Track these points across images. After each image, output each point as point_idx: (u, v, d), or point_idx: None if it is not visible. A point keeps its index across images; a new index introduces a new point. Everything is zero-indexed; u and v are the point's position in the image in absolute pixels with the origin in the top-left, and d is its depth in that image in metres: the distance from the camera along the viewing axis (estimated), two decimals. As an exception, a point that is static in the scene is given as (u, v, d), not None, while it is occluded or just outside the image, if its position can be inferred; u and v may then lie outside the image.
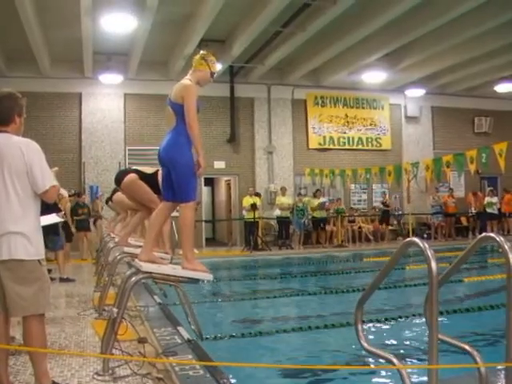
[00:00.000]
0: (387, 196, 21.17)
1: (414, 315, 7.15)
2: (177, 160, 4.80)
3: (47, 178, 3.77)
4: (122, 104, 19.29)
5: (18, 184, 3.69)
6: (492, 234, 3.22)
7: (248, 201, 18.42)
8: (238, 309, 8.83)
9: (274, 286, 11.31)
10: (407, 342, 6.37)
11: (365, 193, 21.95)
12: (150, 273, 4.67)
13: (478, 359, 3.19)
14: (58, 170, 5.49)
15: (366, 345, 3.49)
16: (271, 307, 8.93)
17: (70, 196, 13.87)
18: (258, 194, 19.26)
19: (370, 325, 6.82)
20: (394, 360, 3.20)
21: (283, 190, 19.42)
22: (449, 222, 20.87)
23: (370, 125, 22.14)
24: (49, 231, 8.67)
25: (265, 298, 9.54)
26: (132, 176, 7.11)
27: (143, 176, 7.07)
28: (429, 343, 2.88)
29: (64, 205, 11.83)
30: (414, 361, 5.47)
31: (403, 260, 12.43)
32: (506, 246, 2.95)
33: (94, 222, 16.42)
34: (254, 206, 18.04)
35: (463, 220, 22.12)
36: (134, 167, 7.79)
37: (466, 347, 3.31)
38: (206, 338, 5.69)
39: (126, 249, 6.91)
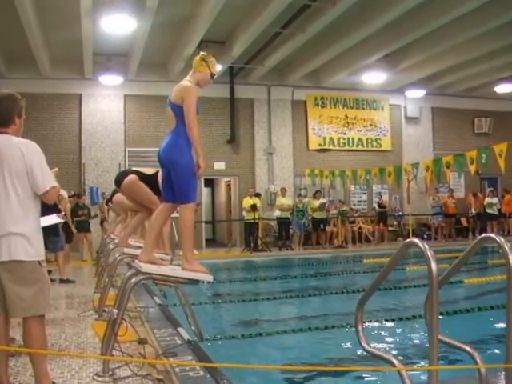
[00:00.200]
0: (383, 197, 21.18)
1: (414, 316, 7.14)
2: (177, 161, 4.80)
3: (47, 179, 3.77)
4: (122, 105, 19.30)
5: (18, 185, 3.69)
6: (492, 235, 3.22)
7: (248, 202, 18.42)
8: (238, 310, 8.83)
9: (274, 286, 11.31)
10: (407, 343, 6.37)
11: (365, 193, 21.95)
12: (150, 274, 4.67)
13: (478, 360, 3.19)
14: (57, 171, 5.49)
15: (366, 346, 3.49)
16: (271, 308, 8.93)
17: (69, 197, 13.86)
18: (258, 195, 19.26)
19: (371, 326, 6.82)
20: (395, 361, 3.20)
21: (283, 191, 19.42)
22: (449, 223, 20.86)
23: (370, 125, 22.15)
24: (49, 232, 8.67)
25: (265, 299, 9.53)
26: (132, 177, 7.10)
27: (143, 177, 7.07)
28: (429, 344, 2.88)
29: (64, 206, 11.83)
30: (415, 361, 5.47)
31: (403, 261, 12.42)
32: (506, 247, 2.96)
33: (101, 224, 16.39)
34: (253, 207, 18.05)
35: (463, 221, 22.11)
36: (134, 168, 7.79)
37: (466, 348, 3.31)
38: (206, 339, 5.68)
39: (126, 250, 6.91)
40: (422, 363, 5.04)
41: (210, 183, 23.28)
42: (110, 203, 11.19)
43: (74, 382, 4.32)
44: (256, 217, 18.07)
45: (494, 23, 14.67)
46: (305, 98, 21.32)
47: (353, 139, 21.89)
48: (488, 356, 4.60)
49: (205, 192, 22.33)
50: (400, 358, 4.65)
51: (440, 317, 2.98)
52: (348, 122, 21.86)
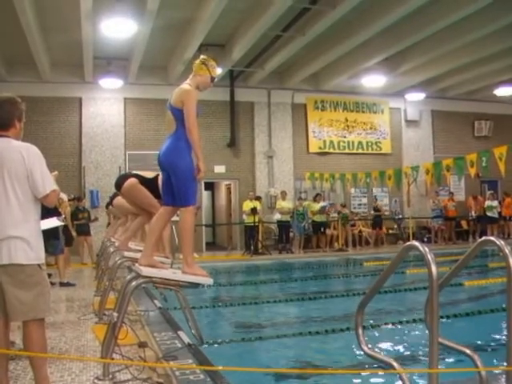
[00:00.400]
0: (378, 201, 21.18)
1: (414, 319, 7.13)
2: (177, 165, 4.80)
3: (47, 183, 3.77)
4: (122, 108, 19.31)
5: (18, 188, 3.69)
6: (492, 238, 3.23)
7: (248, 205, 18.42)
8: (239, 313, 8.81)
9: (274, 290, 11.31)
10: (408, 346, 6.36)
11: (365, 197, 21.94)
12: (151, 277, 4.67)
13: (478, 363, 3.19)
14: (57, 175, 5.48)
15: (366, 349, 3.49)
16: (271, 312, 8.92)
17: (69, 200, 13.86)
18: (258, 198, 19.26)
19: (371, 329, 6.81)
20: (395, 364, 3.20)
21: (283, 194, 19.41)
22: (449, 226, 20.85)
23: (370, 129, 22.16)
24: (49, 235, 8.67)
25: (265, 302, 9.53)
26: (132, 181, 7.11)
27: (143, 180, 7.07)
28: (429, 347, 2.88)
29: (64, 209, 11.83)
30: (415, 365, 5.46)
31: (404, 264, 12.42)
32: (507, 250, 2.96)
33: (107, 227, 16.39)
34: (254, 210, 18.04)
35: (463, 224, 22.11)
36: (135, 172, 7.78)
37: (467, 351, 3.31)
38: (207, 343, 5.68)
39: (127, 253, 6.90)
40: (423, 366, 5.03)
41: (210, 186, 23.28)
42: (110, 206, 11.19)
43: (74, 385, 4.32)
44: (256, 220, 18.06)
45: (494, 26, 14.69)
46: (305, 102, 21.34)
47: (353, 142, 21.90)
48: (488, 359, 4.60)
49: (205, 195, 22.33)
50: (400, 361, 4.65)
51: (440, 320, 2.98)
52: (348, 126, 21.88)
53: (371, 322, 7.00)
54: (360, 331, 3.54)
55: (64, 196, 11.96)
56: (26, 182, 3.71)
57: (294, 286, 12.06)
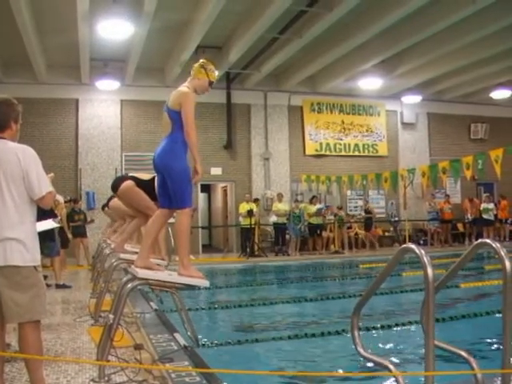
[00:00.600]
0: (369, 203, 21.19)
1: (410, 321, 7.13)
2: (172, 167, 4.80)
3: (43, 184, 3.76)
4: (119, 110, 19.30)
5: (14, 190, 3.68)
6: (488, 240, 3.23)
7: (244, 207, 18.42)
8: (235, 315, 8.81)
9: (270, 292, 11.29)
10: (404, 349, 6.36)
11: (361, 199, 21.96)
12: (147, 279, 4.66)
13: (474, 366, 3.19)
14: (53, 176, 5.48)
15: (362, 351, 3.49)
16: (268, 314, 8.91)
17: (65, 202, 13.84)
18: (256, 200, 19.25)
19: (367, 331, 6.81)
20: (391, 366, 3.20)
21: (279, 197, 19.41)
22: (445, 228, 20.86)
23: (367, 131, 22.19)
24: (45, 237, 8.64)
25: (261, 304, 9.52)
26: (129, 183, 7.09)
27: (140, 183, 7.06)
28: (425, 349, 2.88)
29: (60, 211, 11.81)
30: (411, 367, 5.46)
31: (400, 266, 12.43)
32: (502, 252, 2.96)
33: None
34: (250, 213, 18.04)
35: (459, 226, 22.15)
36: (131, 174, 7.77)
37: (463, 353, 3.31)
38: (203, 345, 5.68)
39: (122, 255, 6.90)
40: (419, 369, 5.03)
41: (206, 189, 23.26)
42: (106, 208, 11.18)
43: (69, 387, 4.31)
44: (253, 222, 18.06)
45: (490, 29, 14.74)
46: (301, 104, 21.36)
47: (349, 145, 21.93)
48: (484, 361, 4.60)
49: (201, 197, 22.32)
50: (396, 363, 4.65)
51: (436, 322, 2.98)
52: (344, 128, 21.90)
53: (367, 324, 6.99)
54: (356, 333, 3.54)
55: (60, 198, 11.95)
56: (22, 184, 3.70)
57: (290, 288, 12.05)
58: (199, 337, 5.19)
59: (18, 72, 17.47)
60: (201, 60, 5.32)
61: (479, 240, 3.43)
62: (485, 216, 20.48)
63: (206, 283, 4.78)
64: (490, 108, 23.13)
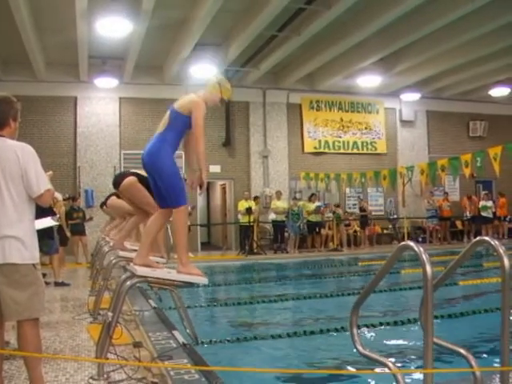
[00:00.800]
0: (363, 201, 21.18)
1: (409, 319, 7.14)
2: (161, 167, 4.82)
3: (42, 182, 3.76)
4: (117, 108, 19.28)
5: (12, 188, 3.68)
6: (487, 238, 3.24)
7: (243, 205, 18.42)
8: (233, 313, 8.81)
9: (269, 290, 11.30)
10: (402, 346, 6.37)
11: (360, 197, 21.94)
12: (145, 277, 4.66)
13: (473, 363, 3.19)
14: (52, 175, 5.47)
15: (361, 349, 3.49)
16: (266, 311, 8.92)
17: (64, 200, 13.83)
18: (256, 198, 19.24)
19: (366, 329, 6.82)
20: (390, 364, 3.20)
21: (278, 194, 19.42)
22: (444, 226, 20.87)
23: (365, 129, 22.19)
24: (44, 235, 8.65)
25: (260, 302, 9.53)
26: (131, 179, 7.08)
27: (142, 179, 7.03)
28: (424, 347, 2.88)
29: (59, 209, 11.80)
30: (410, 365, 5.47)
31: (398, 264, 12.43)
32: (501, 250, 2.97)
33: None
34: (249, 210, 18.04)
35: (458, 224, 22.16)
36: (133, 170, 7.75)
37: (461, 351, 3.31)
38: (202, 343, 5.68)
39: (121, 253, 6.89)
40: (417, 366, 5.04)
41: (205, 186, 23.20)
42: (104, 207, 11.17)
43: (68, 385, 4.31)
44: (251, 220, 18.06)
45: (489, 27, 14.73)
46: (300, 101, 21.35)
47: (348, 142, 21.93)
48: (483, 359, 4.61)
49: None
50: (395, 361, 4.66)
51: (435, 320, 2.98)
52: (343, 126, 21.90)
53: (366, 321, 7.00)
54: (355, 331, 3.54)
55: (59, 195, 11.92)
56: (21, 182, 3.70)
57: (288, 285, 12.06)
58: (198, 334, 5.18)
59: (16, 70, 17.44)
60: (218, 76, 5.37)
61: (478, 238, 3.43)
62: (483, 214, 20.51)
63: (204, 281, 4.78)
64: (488, 106, 23.13)
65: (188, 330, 5.17)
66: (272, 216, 19.17)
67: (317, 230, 19.42)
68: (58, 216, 10.46)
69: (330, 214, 19.83)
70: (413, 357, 5.71)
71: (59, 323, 6.82)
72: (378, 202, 22.20)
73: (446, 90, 22.15)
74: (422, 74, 19.60)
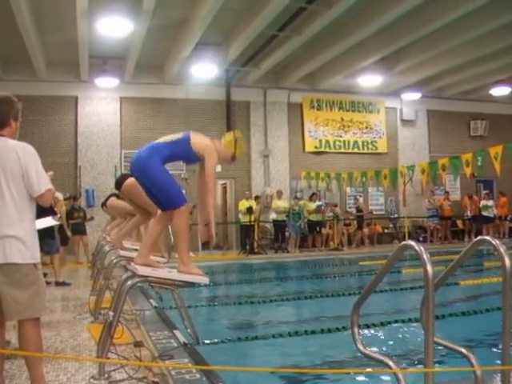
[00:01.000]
0: (360, 201, 21.17)
1: (410, 318, 7.14)
2: (151, 173, 4.82)
3: (43, 182, 3.76)
4: (118, 107, 19.28)
5: (13, 187, 3.68)
6: (487, 237, 3.23)
7: (244, 204, 18.41)
8: (234, 312, 8.81)
9: (270, 289, 11.29)
10: (403, 346, 6.37)
11: (361, 196, 21.95)
12: (146, 276, 4.66)
13: (473, 362, 3.19)
14: (52, 175, 5.48)
15: (362, 348, 3.49)
16: (267, 311, 8.92)
17: (65, 199, 13.83)
18: (257, 198, 19.22)
19: (366, 328, 6.82)
20: (391, 363, 3.20)
21: (279, 194, 19.41)
22: (445, 225, 20.86)
23: (366, 128, 22.19)
24: (44, 235, 8.65)
25: (261, 301, 9.52)
26: (132, 180, 7.08)
27: None
28: (425, 346, 2.88)
29: (59, 208, 11.80)
30: (411, 364, 5.47)
31: (399, 263, 12.43)
32: (502, 249, 2.97)
33: None
34: (250, 210, 18.03)
35: (459, 223, 22.15)
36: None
37: (462, 350, 3.31)
38: (202, 342, 5.68)
39: (122, 252, 6.90)
40: (418, 365, 5.04)
41: (205, 186, 23.19)
42: (104, 207, 11.17)
43: (69, 384, 4.31)
44: (252, 219, 18.05)
45: (490, 26, 14.73)
46: (301, 101, 21.35)
47: (349, 142, 21.93)
48: (484, 358, 4.60)
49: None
50: (396, 360, 4.66)
51: (436, 319, 2.98)
52: (344, 125, 21.90)
53: (367, 321, 7.00)
54: (356, 330, 3.54)
55: (59, 195, 11.94)
56: (22, 181, 3.70)
57: (289, 285, 12.05)
58: (199, 334, 5.18)
59: (17, 69, 17.44)
60: (237, 133, 5.46)
61: (479, 237, 3.43)
62: (484, 213, 20.50)
63: (205, 280, 4.78)
64: (489, 105, 23.12)
65: (189, 330, 5.17)
66: (273, 215, 19.17)
67: (317, 229, 19.41)
68: (58, 216, 10.46)
69: (331, 214, 19.83)
70: (414, 356, 5.71)
71: (60, 323, 6.83)
72: (378, 201, 22.21)
73: (446, 90, 22.14)
74: (423, 74, 19.60)
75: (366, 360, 3.66)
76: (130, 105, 19.41)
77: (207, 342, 6.12)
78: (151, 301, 7.89)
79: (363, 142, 22.11)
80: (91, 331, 6.17)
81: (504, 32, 15.22)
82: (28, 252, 3.69)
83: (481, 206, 20.70)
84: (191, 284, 4.80)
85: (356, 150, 22.02)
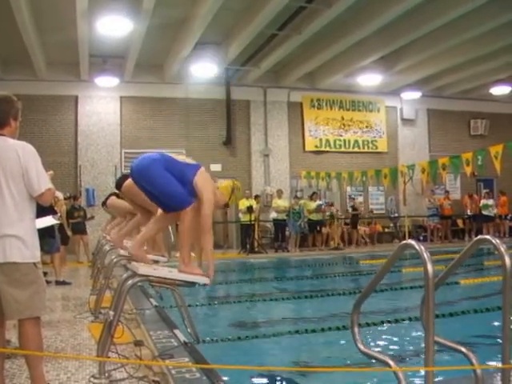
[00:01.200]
0: (356, 200, 21.15)
1: (410, 317, 7.14)
2: (153, 176, 4.78)
3: (43, 181, 3.76)
4: (118, 107, 19.28)
5: (13, 187, 3.68)
6: (488, 237, 3.23)
7: (244, 203, 18.40)
8: (235, 311, 8.82)
9: (270, 288, 11.30)
10: (404, 345, 6.37)
11: (361, 195, 21.96)
12: (147, 276, 4.66)
13: (474, 361, 3.19)
14: (53, 174, 5.47)
15: (362, 347, 3.49)
16: (267, 310, 8.92)
17: (65, 199, 13.83)
18: (257, 197, 19.22)
19: (367, 327, 6.82)
20: (391, 362, 3.20)
21: (279, 193, 19.40)
22: (445, 225, 20.87)
23: (366, 127, 22.19)
24: (45, 234, 8.64)
25: (261, 300, 9.53)
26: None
27: None
28: (425, 345, 2.88)
29: (60, 207, 11.80)
30: (411, 363, 5.47)
31: (400, 262, 12.43)
32: (502, 248, 2.97)
33: None
34: (250, 209, 18.03)
35: (459, 222, 22.16)
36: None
37: (462, 349, 3.31)
38: (203, 341, 5.68)
39: (122, 252, 6.89)
40: (419, 364, 5.04)
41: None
42: (104, 206, 11.17)
43: (70, 383, 4.32)
44: (252, 218, 18.05)
45: (490, 25, 14.73)
46: (301, 100, 21.35)
47: (349, 141, 21.93)
48: (484, 357, 4.60)
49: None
50: (396, 359, 4.66)
51: (436, 318, 2.98)
52: (344, 124, 21.90)
53: (367, 320, 7.00)
54: (356, 329, 3.54)
55: (59, 194, 11.94)
56: (22, 181, 3.70)
57: (290, 284, 12.05)
58: (199, 333, 5.18)
59: (17, 69, 17.45)
60: (236, 184, 5.54)
61: (479, 236, 3.43)
62: (484, 212, 20.50)
63: (206, 280, 4.78)
64: (489, 104, 23.11)
65: (189, 329, 5.17)
66: (273, 215, 19.16)
67: (318, 228, 19.41)
68: (58, 215, 10.45)
69: (329, 213, 19.81)
70: (414, 355, 5.71)
71: (60, 322, 6.83)
72: (378, 200, 22.22)
73: (446, 89, 22.14)
74: (423, 73, 19.60)
75: (366, 359, 3.66)
76: (130, 104, 19.41)
77: (207, 341, 6.12)
78: (151, 300, 7.89)
79: (363, 141, 22.11)
80: (91, 330, 6.17)
81: (504, 31, 15.23)
82: (28, 251, 3.69)
83: (481, 205, 20.69)
84: (192, 284, 4.80)
85: (356, 150, 22.02)
